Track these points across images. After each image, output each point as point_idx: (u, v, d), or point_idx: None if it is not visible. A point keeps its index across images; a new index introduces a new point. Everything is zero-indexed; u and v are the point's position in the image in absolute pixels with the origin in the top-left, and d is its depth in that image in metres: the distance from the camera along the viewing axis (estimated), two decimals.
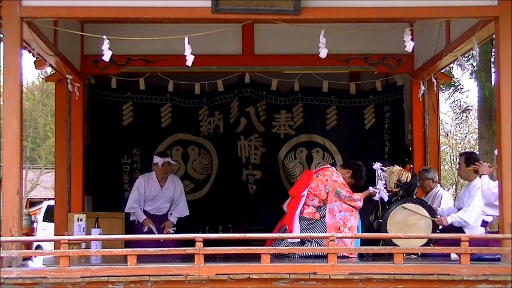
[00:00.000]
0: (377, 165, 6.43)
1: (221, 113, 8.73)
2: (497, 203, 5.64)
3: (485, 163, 6.39)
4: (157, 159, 7.58)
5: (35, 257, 6.06)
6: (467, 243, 5.23)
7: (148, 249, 5.31)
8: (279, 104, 8.72)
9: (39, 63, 7.01)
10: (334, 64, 7.67)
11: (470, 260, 5.22)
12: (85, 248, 6.38)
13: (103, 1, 5.60)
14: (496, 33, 5.61)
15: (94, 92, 8.26)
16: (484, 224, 6.39)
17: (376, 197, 6.38)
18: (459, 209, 6.57)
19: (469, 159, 6.50)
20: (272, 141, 8.79)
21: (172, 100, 8.63)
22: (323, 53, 5.68)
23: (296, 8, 5.51)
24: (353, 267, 5.25)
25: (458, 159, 6.79)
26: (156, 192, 7.58)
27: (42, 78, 18.76)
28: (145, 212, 7.50)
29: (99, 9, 5.56)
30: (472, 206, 6.21)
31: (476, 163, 6.38)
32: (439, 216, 6.37)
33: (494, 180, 6.07)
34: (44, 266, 5.48)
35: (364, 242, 6.12)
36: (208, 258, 5.31)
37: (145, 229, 7.35)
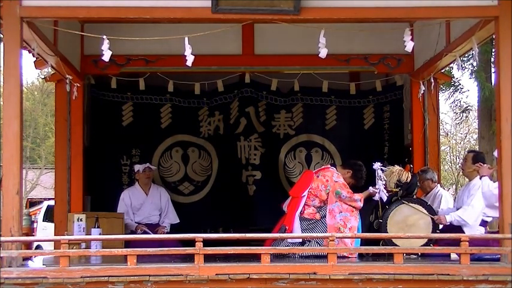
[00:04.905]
0: (377, 165, 6.43)
1: (221, 113, 8.73)
2: (497, 204, 5.64)
3: (485, 165, 6.39)
4: (138, 167, 7.81)
5: (35, 257, 6.06)
6: (467, 243, 5.23)
7: (148, 249, 5.31)
8: (279, 104, 8.72)
9: (39, 63, 7.01)
10: (334, 64, 7.67)
11: (470, 260, 5.22)
12: (85, 248, 6.38)
13: (103, 1, 5.60)
14: (496, 33, 5.61)
15: (94, 92, 8.26)
16: (484, 223, 6.39)
17: (376, 197, 6.38)
18: (458, 209, 6.58)
19: (476, 157, 6.51)
20: (272, 142, 8.79)
21: (172, 100, 8.63)
22: (323, 53, 5.68)
23: (296, 8, 5.51)
24: (353, 267, 5.25)
25: (464, 155, 6.79)
26: (142, 200, 7.72)
27: (42, 78, 18.74)
28: (137, 224, 7.61)
29: (99, 9, 5.56)
30: (471, 205, 6.21)
31: (477, 164, 6.38)
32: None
33: (494, 182, 6.07)
34: (44, 266, 5.48)
35: (364, 242, 6.12)
36: (208, 258, 5.31)
37: (139, 232, 7.43)
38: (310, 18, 5.63)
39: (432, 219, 6.29)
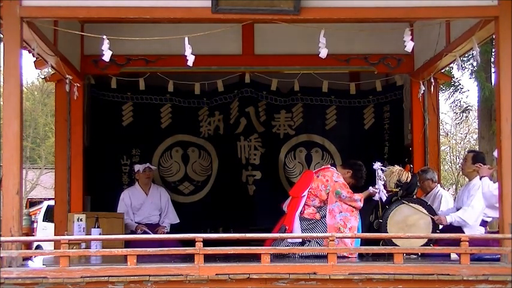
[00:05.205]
0: (377, 165, 6.42)
1: (221, 113, 8.73)
2: (498, 205, 5.63)
3: (485, 165, 6.38)
4: (138, 167, 7.81)
5: (35, 257, 6.06)
6: (467, 243, 5.23)
7: (148, 249, 5.31)
8: (279, 104, 8.73)
9: (39, 63, 7.01)
10: (334, 64, 7.67)
11: (470, 260, 5.22)
12: (85, 248, 6.38)
13: (103, 1, 5.60)
14: (496, 33, 5.61)
15: (94, 92, 8.26)
16: (484, 223, 6.39)
17: (376, 197, 6.38)
18: (458, 209, 6.58)
19: (476, 157, 6.50)
20: (272, 142, 8.80)
21: (172, 100, 8.63)
22: (323, 53, 5.68)
23: (296, 8, 5.51)
24: (353, 267, 5.25)
25: (464, 155, 6.79)
26: (142, 200, 7.72)
27: (42, 78, 18.74)
28: (137, 224, 7.61)
29: (99, 9, 5.56)
30: (471, 206, 6.21)
31: (477, 164, 6.38)
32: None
33: (494, 182, 6.07)
34: (44, 266, 5.48)
35: (364, 242, 6.12)
36: (208, 258, 5.31)
37: (139, 232, 7.44)
38: (310, 18, 5.63)
39: (432, 219, 6.29)
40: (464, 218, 6.19)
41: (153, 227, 7.61)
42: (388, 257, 5.60)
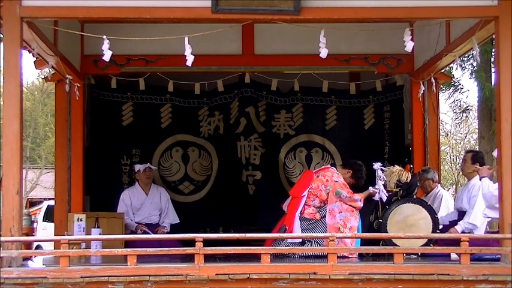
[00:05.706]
0: (377, 165, 6.42)
1: (221, 113, 8.74)
2: (498, 205, 5.63)
3: (484, 166, 6.38)
4: (138, 167, 7.80)
5: (35, 257, 6.06)
6: (467, 243, 5.23)
7: (148, 249, 5.31)
8: (279, 104, 8.73)
9: (39, 63, 7.01)
10: (334, 64, 7.68)
11: (470, 260, 5.22)
12: (85, 248, 6.38)
13: (103, 1, 5.60)
14: (496, 33, 5.60)
15: (94, 92, 8.26)
16: None
17: (376, 197, 6.38)
18: (458, 209, 6.58)
19: (475, 157, 6.50)
20: (272, 142, 8.80)
21: (172, 100, 8.64)
22: (323, 52, 5.67)
23: (296, 8, 5.51)
24: (353, 267, 5.25)
25: (463, 156, 6.79)
26: (142, 200, 7.72)
27: (42, 78, 18.75)
28: (137, 224, 7.61)
29: (99, 9, 5.56)
30: (476, 208, 6.20)
31: (475, 165, 6.37)
32: (441, 226, 6.40)
33: (494, 182, 6.07)
34: (44, 266, 5.48)
35: (364, 242, 6.11)
36: (208, 258, 5.31)
37: (139, 232, 7.44)
38: (310, 18, 5.63)
39: (434, 221, 6.27)
40: (472, 222, 6.20)
41: (153, 227, 7.61)
42: (388, 257, 5.60)
